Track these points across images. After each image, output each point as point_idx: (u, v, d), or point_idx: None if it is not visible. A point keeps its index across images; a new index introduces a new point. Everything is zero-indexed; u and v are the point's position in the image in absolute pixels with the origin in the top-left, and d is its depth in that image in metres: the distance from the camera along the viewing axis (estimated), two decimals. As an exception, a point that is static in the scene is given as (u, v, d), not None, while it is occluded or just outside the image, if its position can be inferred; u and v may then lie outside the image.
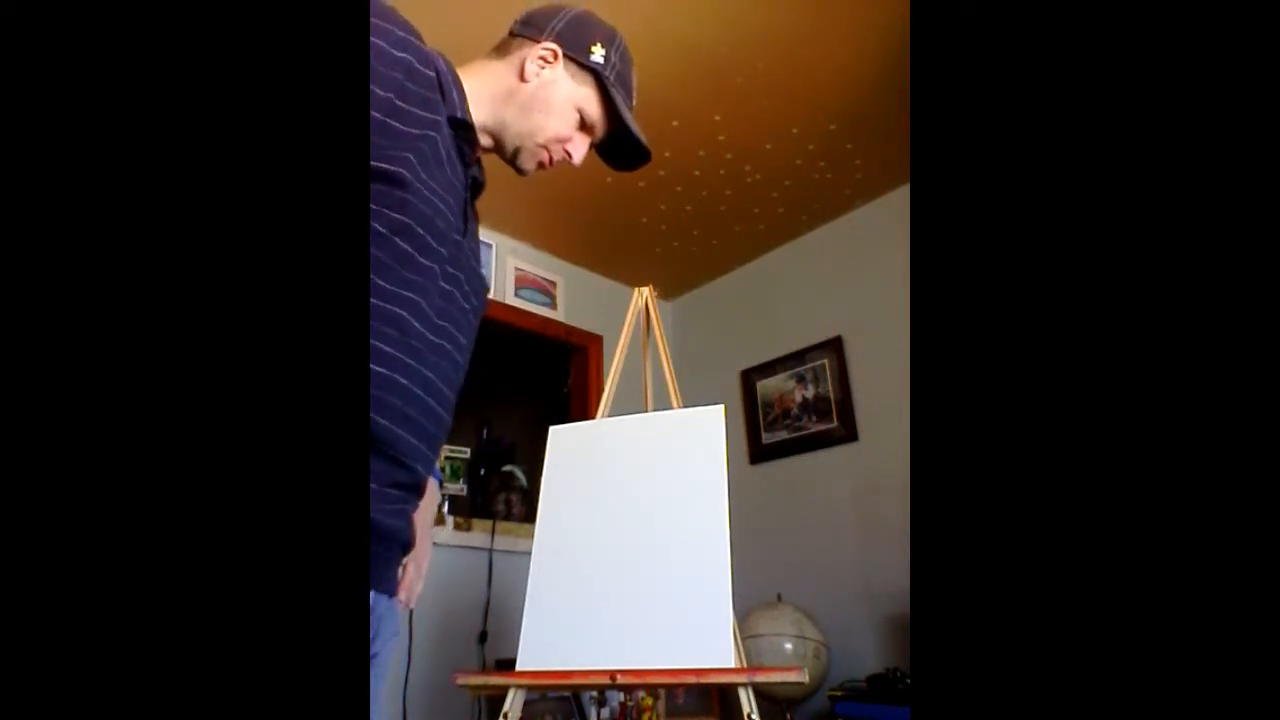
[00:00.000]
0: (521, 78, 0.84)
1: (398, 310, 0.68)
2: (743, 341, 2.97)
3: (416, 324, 0.70)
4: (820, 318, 2.70)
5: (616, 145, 0.94)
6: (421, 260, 0.70)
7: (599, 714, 2.08)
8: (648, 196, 2.57)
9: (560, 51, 0.85)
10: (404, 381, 0.68)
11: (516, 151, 0.86)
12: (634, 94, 0.92)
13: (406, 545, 0.76)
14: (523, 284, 2.81)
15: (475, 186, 0.83)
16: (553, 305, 2.89)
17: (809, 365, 2.69)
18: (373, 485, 0.66)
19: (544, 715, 2.04)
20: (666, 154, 2.34)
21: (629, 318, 1.84)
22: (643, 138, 0.90)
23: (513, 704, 1.34)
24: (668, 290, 3.28)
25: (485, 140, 0.86)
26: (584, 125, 0.88)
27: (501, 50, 0.87)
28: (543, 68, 0.85)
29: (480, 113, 0.83)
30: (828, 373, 2.61)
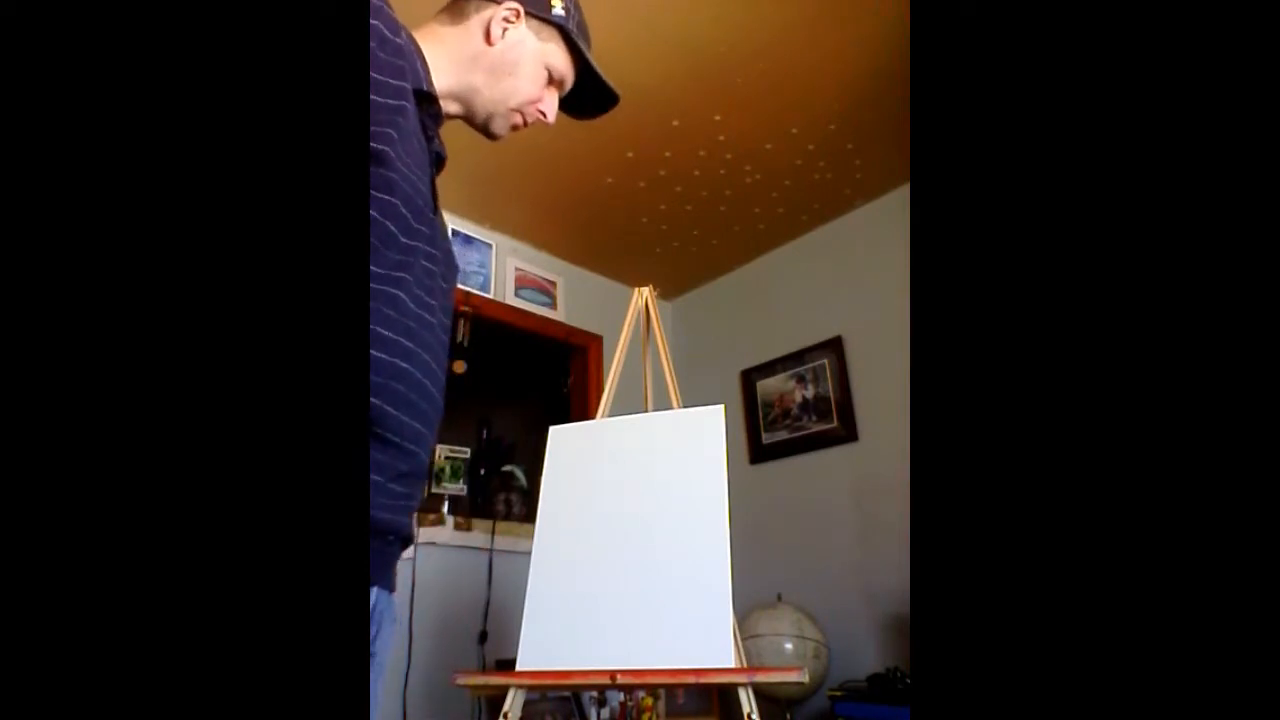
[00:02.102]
0: (487, 40, 0.83)
1: (393, 291, 0.67)
2: (743, 341, 2.97)
3: (411, 305, 0.69)
4: (820, 318, 2.70)
5: (579, 96, 0.94)
6: (405, 241, 0.69)
7: (599, 714, 2.08)
8: (648, 196, 2.57)
9: (522, 10, 0.85)
10: (403, 365, 0.67)
11: (489, 118, 0.86)
12: (590, 42, 0.93)
13: (407, 540, 0.77)
14: (523, 284, 2.81)
15: (438, 161, 0.81)
16: (553, 305, 2.89)
17: (809, 365, 2.69)
18: (378, 478, 0.66)
19: (544, 715, 2.04)
20: (666, 154, 2.34)
21: (629, 318, 1.84)
22: (609, 82, 0.92)
23: (513, 704, 1.34)
24: (668, 290, 3.28)
25: (453, 108, 0.85)
26: (551, 80, 0.88)
27: (455, 13, 0.86)
28: (507, 28, 0.84)
29: (445, 80, 0.82)
30: (828, 373, 2.61)
